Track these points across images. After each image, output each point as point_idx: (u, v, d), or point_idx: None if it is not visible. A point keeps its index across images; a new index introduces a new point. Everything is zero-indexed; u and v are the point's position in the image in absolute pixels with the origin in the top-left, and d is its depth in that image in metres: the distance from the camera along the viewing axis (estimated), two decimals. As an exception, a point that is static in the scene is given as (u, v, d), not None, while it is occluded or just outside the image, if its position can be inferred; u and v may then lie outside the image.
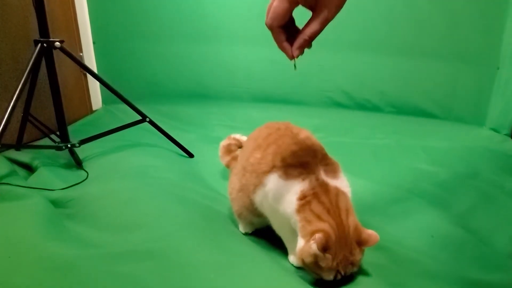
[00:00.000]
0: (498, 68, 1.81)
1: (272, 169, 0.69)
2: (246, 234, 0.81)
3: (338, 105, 2.00)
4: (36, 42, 1.08)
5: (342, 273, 0.62)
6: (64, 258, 0.66)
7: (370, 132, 1.68)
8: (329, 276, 0.62)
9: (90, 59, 1.84)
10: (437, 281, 0.68)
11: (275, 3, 0.50)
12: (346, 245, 0.62)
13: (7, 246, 0.69)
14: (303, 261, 0.63)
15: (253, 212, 0.76)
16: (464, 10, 1.81)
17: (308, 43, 0.52)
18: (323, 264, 0.61)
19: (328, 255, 0.60)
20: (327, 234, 0.60)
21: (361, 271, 0.69)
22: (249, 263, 0.68)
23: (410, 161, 1.36)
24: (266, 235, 0.79)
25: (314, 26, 0.50)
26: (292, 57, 0.53)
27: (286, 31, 0.53)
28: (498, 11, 1.76)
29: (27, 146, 1.24)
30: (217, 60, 1.94)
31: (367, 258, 0.73)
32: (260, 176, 0.71)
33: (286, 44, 0.53)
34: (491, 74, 1.83)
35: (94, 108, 1.88)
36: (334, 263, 0.61)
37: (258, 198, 0.72)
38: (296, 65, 0.55)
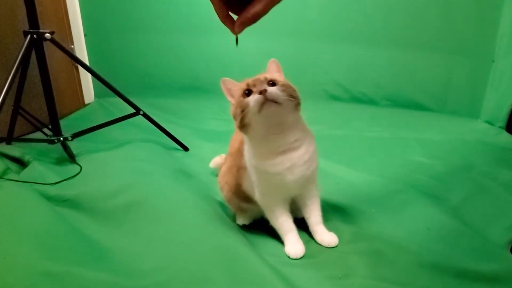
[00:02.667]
0: (493, 61, 1.81)
1: (242, 145, 0.73)
2: (243, 225, 0.81)
3: (334, 98, 1.99)
4: (25, 33, 1.05)
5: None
6: (59, 261, 0.65)
7: (366, 125, 1.68)
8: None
9: (81, 52, 1.81)
10: (433, 272, 0.68)
11: None
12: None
13: (1, 246, 0.67)
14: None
15: (240, 196, 0.77)
16: (459, 3, 1.81)
17: (250, 22, 0.51)
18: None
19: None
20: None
21: (356, 263, 0.69)
22: (246, 262, 0.66)
23: (406, 154, 1.36)
24: (261, 227, 0.79)
25: (258, 7, 0.49)
26: (234, 33, 0.53)
27: (234, 6, 0.52)
28: (493, 5, 1.77)
29: (19, 139, 1.21)
30: (211, 52, 1.93)
31: (363, 250, 0.73)
32: (239, 158, 0.74)
33: (227, 19, 0.52)
34: (486, 67, 1.84)
35: (86, 101, 1.85)
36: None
37: (245, 181, 0.75)
38: (238, 42, 0.55)
